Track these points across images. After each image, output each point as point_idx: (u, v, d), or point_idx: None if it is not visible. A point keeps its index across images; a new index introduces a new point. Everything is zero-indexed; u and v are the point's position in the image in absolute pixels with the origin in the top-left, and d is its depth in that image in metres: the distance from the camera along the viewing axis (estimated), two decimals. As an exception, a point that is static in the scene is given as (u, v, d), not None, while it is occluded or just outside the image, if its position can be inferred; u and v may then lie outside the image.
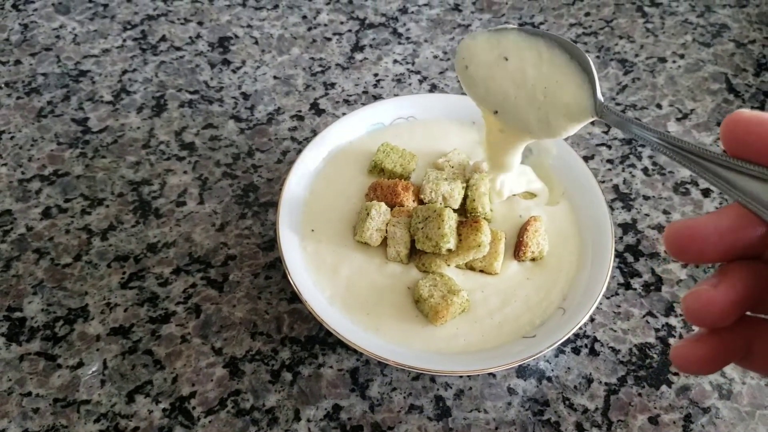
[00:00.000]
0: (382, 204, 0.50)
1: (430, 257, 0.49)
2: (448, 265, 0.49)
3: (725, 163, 0.26)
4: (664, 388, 0.48)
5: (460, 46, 0.45)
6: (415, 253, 0.50)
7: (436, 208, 0.48)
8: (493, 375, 0.49)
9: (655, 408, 0.48)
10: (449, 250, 0.47)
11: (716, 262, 0.27)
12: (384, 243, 0.50)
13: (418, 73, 0.69)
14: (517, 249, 0.50)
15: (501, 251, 0.49)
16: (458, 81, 0.68)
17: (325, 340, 0.50)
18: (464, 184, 0.51)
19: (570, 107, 0.40)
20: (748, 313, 0.28)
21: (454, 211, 0.50)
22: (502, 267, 0.50)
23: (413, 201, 0.51)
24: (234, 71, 0.68)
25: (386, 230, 0.49)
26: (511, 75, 0.43)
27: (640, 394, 0.48)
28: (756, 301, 0.27)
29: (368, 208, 0.49)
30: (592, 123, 0.65)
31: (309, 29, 0.73)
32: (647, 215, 0.58)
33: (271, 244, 0.55)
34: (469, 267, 0.50)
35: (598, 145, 0.63)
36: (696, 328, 0.51)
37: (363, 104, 0.66)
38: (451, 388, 0.48)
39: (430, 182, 0.51)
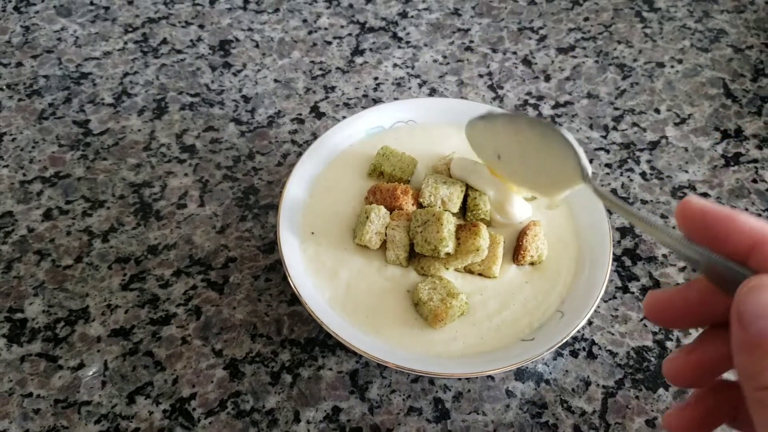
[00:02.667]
0: (382, 207, 0.50)
1: (429, 261, 0.49)
2: (447, 269, 0.49)
3: (687, 245, 0.28)
4: (661, 391, 0.49)
5: (466, 133, 0.50)
6: (414, 257, 0.50)
7: (435, 211, 0.48)
8: (491, 377, 0.49)
9: (653, 411, 0.48)
10: (448, 254, 0.48)
11: (691, 328, 0.29)
12: (383, 246, 0.50)
13: (417, 76, 0.69)
14: (516, 253, 0.50)
15: (500, 255, 0.49)
16: (458, 85, 0.69)
17: (324, 343, 0.50)
18: (463, 188, 0.52)
19: (557, 180, 0.43)
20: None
21: (453, 214, 0.50)
22: (501, 270, 0.50)
23: (412, 204, 0.52)
24: (235, 74, 0.69)
25: (386, 233, 0.50)
26: (504, 169, 0.49)
27: (637, 397, 0.48)
28: (730, 366, 0.28)
29: (368, 212, 0.49)
30: (591, 127, 0.65)
31: (309, 33, 0.73)
32: (645, 219, 0.59)
33: (272, 246, 0.56)
34: (468, 270, 0.50)
35: (596, 149, 0.64)
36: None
37: (363, 108, 0.66)
38: (450, 390, 0.48)
39: (429, 186, 0.51)
